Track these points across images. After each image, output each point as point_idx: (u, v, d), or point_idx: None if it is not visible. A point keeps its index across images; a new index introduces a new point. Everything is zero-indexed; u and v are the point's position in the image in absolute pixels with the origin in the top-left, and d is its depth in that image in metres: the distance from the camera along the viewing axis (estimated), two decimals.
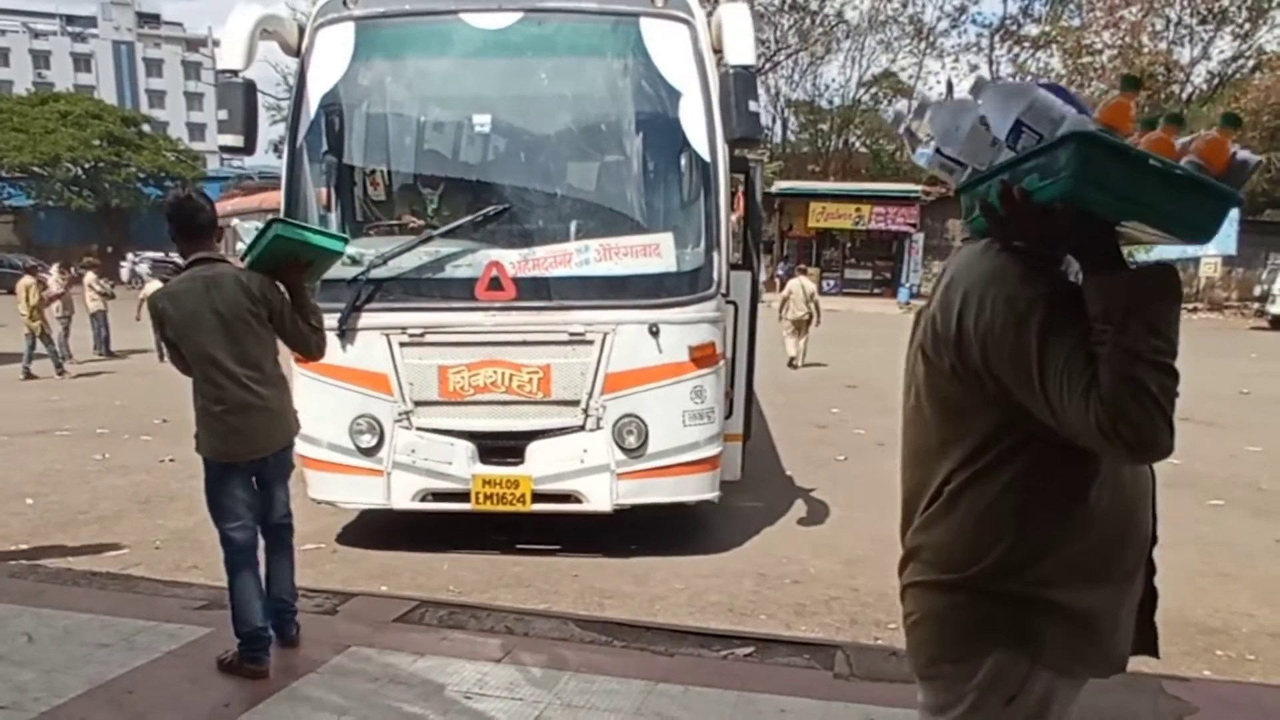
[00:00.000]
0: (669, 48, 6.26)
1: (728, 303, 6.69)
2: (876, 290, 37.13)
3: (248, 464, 4.33)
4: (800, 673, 4.71)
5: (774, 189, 36.50)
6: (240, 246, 14.07)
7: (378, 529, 7.11)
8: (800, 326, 17.19)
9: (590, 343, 6.21)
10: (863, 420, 12.00)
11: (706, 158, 6.23)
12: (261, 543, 4.56)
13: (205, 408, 4.25)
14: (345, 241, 4.86)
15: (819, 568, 6.53)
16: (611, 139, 6.73)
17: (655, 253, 6.27)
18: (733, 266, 6.86)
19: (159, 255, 37.76)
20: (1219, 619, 5.76)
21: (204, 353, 4.32)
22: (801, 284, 17.61)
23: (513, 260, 6.28)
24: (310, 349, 4.62)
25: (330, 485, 6.57)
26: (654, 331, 6.21)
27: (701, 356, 6.30)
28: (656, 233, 6.31)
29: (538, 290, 6.28)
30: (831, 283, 37.13)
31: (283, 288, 4.45)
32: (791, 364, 17.07)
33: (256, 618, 4.37)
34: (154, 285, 12.30)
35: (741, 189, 7.13)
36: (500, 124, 6.78)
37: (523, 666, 4.66)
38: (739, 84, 5.84)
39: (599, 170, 6.77)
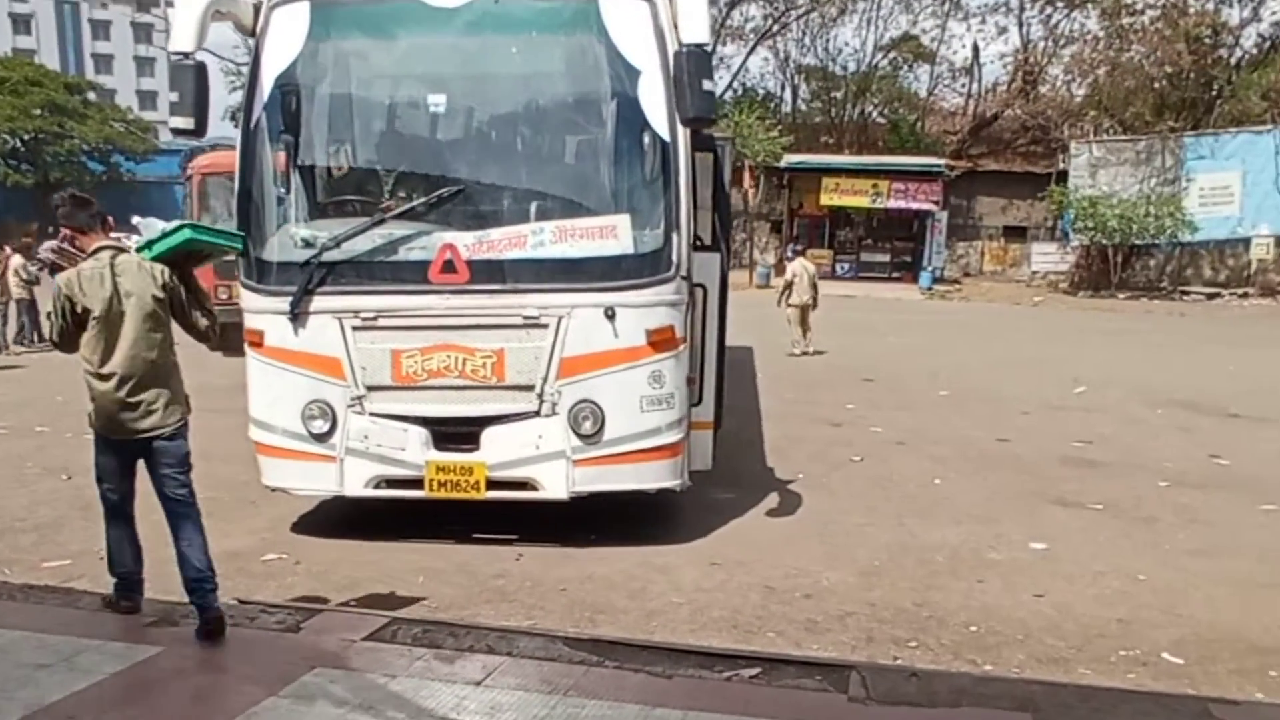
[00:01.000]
0: (628, 25, 6.66)
1: (694, 286, 7.15)
2: (896, 274, 37.19)
3: (122, 442, 5.20)
4: (811, 696, 4.72)
5: (783, 163, 36.71)
6: (215, 205, 15.59)
7: (334, 520, 7.60)
8: (804, 312, 17.64)
9: (545, 326, 6.66)
10: (881, 417, 12.08)
11: (666, 137, 6.65)
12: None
13: (89, 384, 5.15)
14: (243, 239, 6.06)
15: (832, 580, 6.62)
16: (568, 119, 7.22)
17: (612, 234, 6.70)
18: (700, 248, 7.33)
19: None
20: (1274, 637, 5.78)
21: (101, 336, 5.15)
22: (805, 266, 18.10)
23: (467, 242, 6.74)
24: (208, 336, 5.45)
25: (283, 472, 7.09)
26: (610, 315, 6.64)
27: (660, 340, 6.74)
28: (614, 214, 6.76)
29: (492, 273, 6.74)
30: (846, 266, 37.34)
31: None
32: (799, 352, 17.51)
33: (127, 560, 5.45)
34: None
35: (709, 168, 7.56)
36: (456, 104, 7.28)
37: (506, 689, 4.69)
38: (693, 62, 6.20)
39: (555, 151, 7.26)
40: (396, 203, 7.00)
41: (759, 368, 15.80)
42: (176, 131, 6.80)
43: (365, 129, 7.47)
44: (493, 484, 6.82)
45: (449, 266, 6.76)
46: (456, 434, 6.84)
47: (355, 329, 6.79)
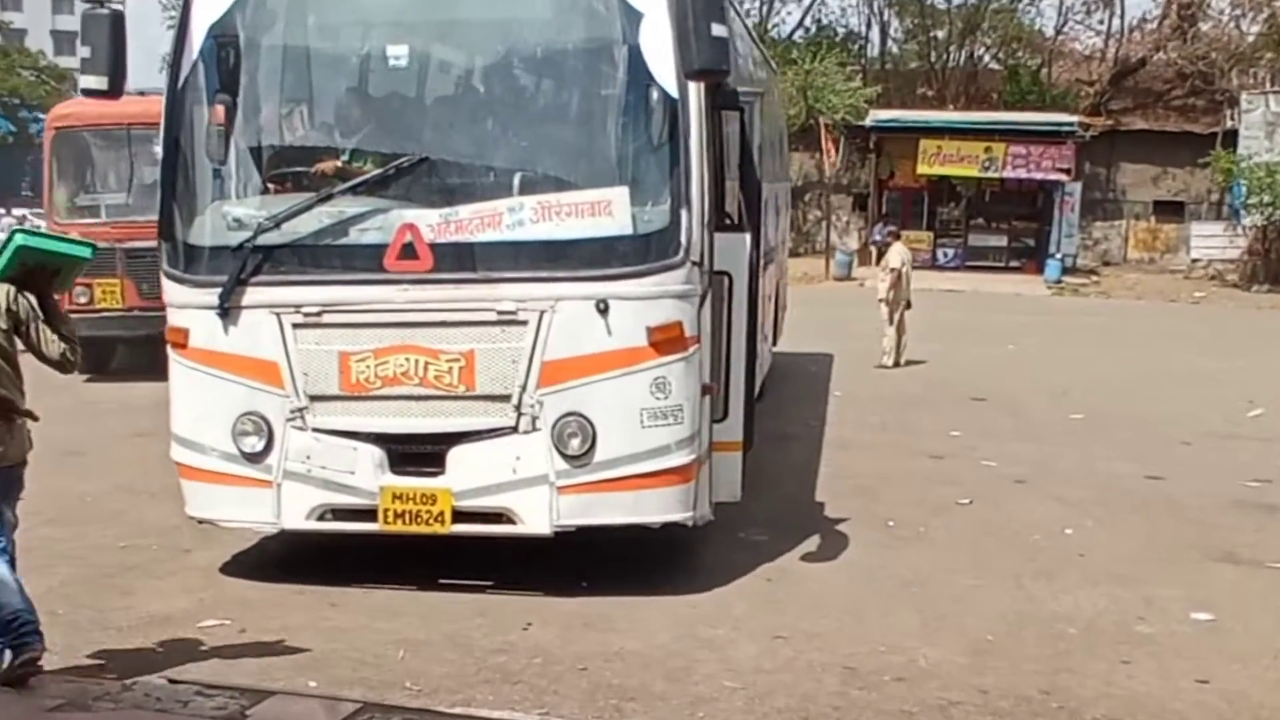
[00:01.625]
0: None
1: (715, 274, 7.44)
2: (1014, 264, 37.19)
3: None
4: None
5: (869, 121, 36.88)
6: (76, 171, 15.94)
7: (275, 562, 7.96)
8: (900, 309, 17.72)
9: (523, 323, 6.96)
10: (995, 448, 12.15)
11: (674, 93, 6.93)
12: None
13: None
14: (92, 249, 6.32)
15: (931, 659, 6.64)
16: (554, 74, 7.54)
17: (606, 211, 6.97)
18: (723, 228, 7.62)
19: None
20: None
21: None
22: (905, 254, 18.17)
23: (430, 222, 7.05)
24: (63, 362, 5.87)
25: (210, 499, 7.44)
26: (603, 309, 6.92)
27: (664, 340, 7.01)
28: (608, 187, 7.03)
29: (460, 259, 7.06)
30: (950, 253, 37.34)
31: (32, 299, 5.81)
32: (890, 364, 17.52)
33: (14, 600, 5.71)
34: None
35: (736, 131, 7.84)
36: (420, 57, 7.63)
37: None
38: (698, 3, 6.43)
39: (539, 112, 7.58)
40: (348, 175, 7.33)
41: (835, 383, 16.06)
42: (88, 93, 7.21)
43: (313, 87, 7.84)
44: (460, 515, 7.09)
45: (408, 251, 7.05)
46: (417, 454, 7.16)
47: (296, 327, 7.09)
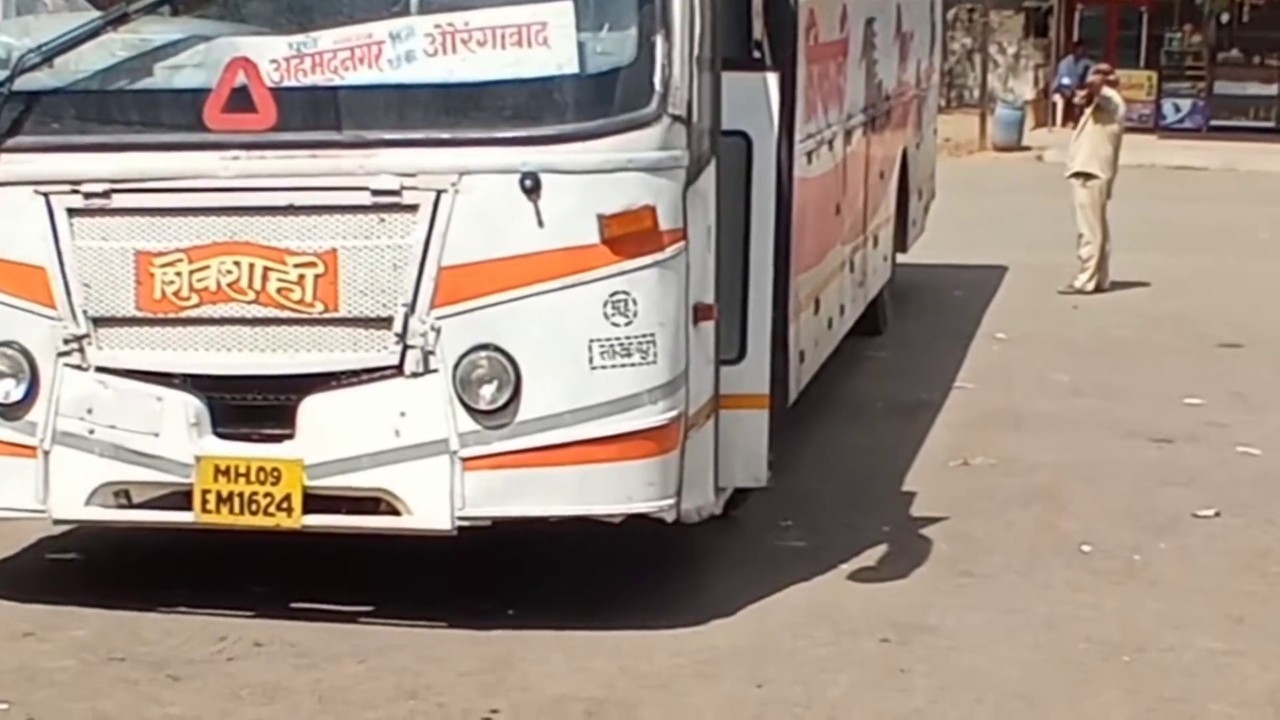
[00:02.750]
0: None
1: (725, 135, 6.86)
2: None
3: None
4: None
5: None
6: None
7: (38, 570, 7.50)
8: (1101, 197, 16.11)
9: (412, 209, 6.34)
10: (1256, 424, 10.83)
11: None
12: None
13: None
14: None
15: None
16: None
17: (539, 39, 6.22)
18: (732, 65, 6.92)
19: None
20: None
21: None
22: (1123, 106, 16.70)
23: (274, 56, 6.41)
24: None
25: None
26: (530, 187, 6.16)
27: (626, 235, 6.25)
28: (545, 1, 6.45)
29: (317, 111, 6.41)
30: (1186, 106, 32.13)
31: None
32: (1089, 287, 15.53)
33: None
34: None
35: None
36: None
37: None
38: None
39: None
40: None
41: (996, 317, 14.48)
42: None
43: None
44: (316, 501, 6.46)
45: (240, 99, 6.30)
46: (252, 408, 6.51)
47: (73, 214, 6.45)
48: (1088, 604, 7.55)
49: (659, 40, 6.32)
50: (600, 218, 6.24)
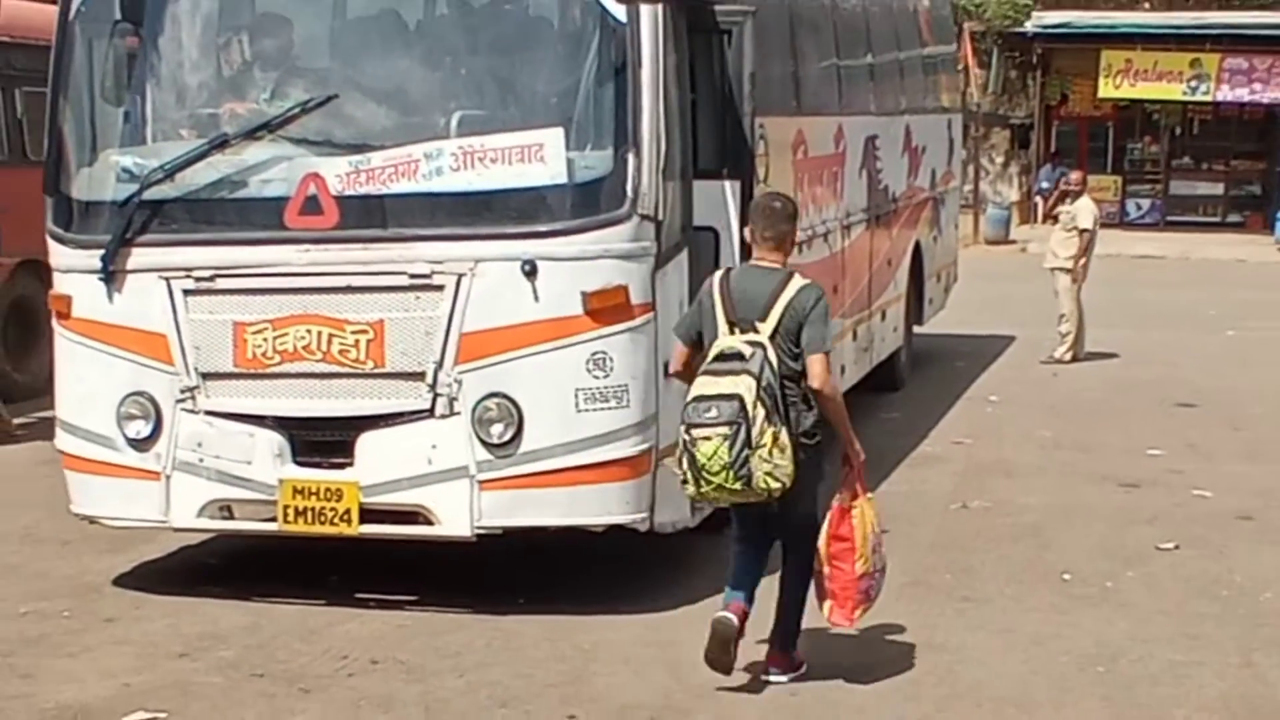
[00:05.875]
0: None
1: (697, 230, 7.85)
2: (1233, 218, 34.44)
3: None
4: None
5: (1030, 27, 34.34)
6: None
7: (170, 571, 8.34)
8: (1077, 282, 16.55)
9: (439, 288, 7.31)
10: (1211, 472, 11.42)
11: (620, 17, 7.28)
12: None
13: None
14: None
15: None
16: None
17: (537, 156, 7.26)
18: (705, 174, 8.00)
19: None
20: None
21: None
22: (1095, 211, 16.83)
23: (338, 172, 7.45)
24: None
25: (92, 493, 7.94)
26: (528, 271, 7.20)
27: (604, 308, 7.25)
28: (541, 128, 7.38)
29: (370, 214, 7.45)
30: (1145, 205, 34.55)
31: None
32: (1067, 357, 16.31)
33: None
34: None
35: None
36: None
37: None
38: None
39: (462, 44, 7.98)
40: (250, 118, 7.82)
41: (990, 382, 15.30)
42: None
43: (217, 21, 8.22)
44: (369, 514, 7.49)
45: (312, 205, 7.42)
46: (321, 442, 7.58)
47: (188, 293, 7.57)
48: (1068, 624, 7.77)
49: (630, 157, 7.27)
50: (583, 294, 7.25)
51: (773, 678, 6.65)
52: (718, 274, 6.73)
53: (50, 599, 7.97)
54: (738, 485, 6.11)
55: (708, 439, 6.05)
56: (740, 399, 6.07)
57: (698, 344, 6.49)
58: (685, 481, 6.28)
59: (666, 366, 7.39)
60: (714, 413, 6.07)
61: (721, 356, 6.25)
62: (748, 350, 6.18)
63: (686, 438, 6.15)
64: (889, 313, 13.52)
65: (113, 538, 8.58)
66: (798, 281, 6.43)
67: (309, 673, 7.00)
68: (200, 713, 6.53)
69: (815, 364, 6.25)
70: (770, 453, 6.00)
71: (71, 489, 8.07)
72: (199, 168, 7.64)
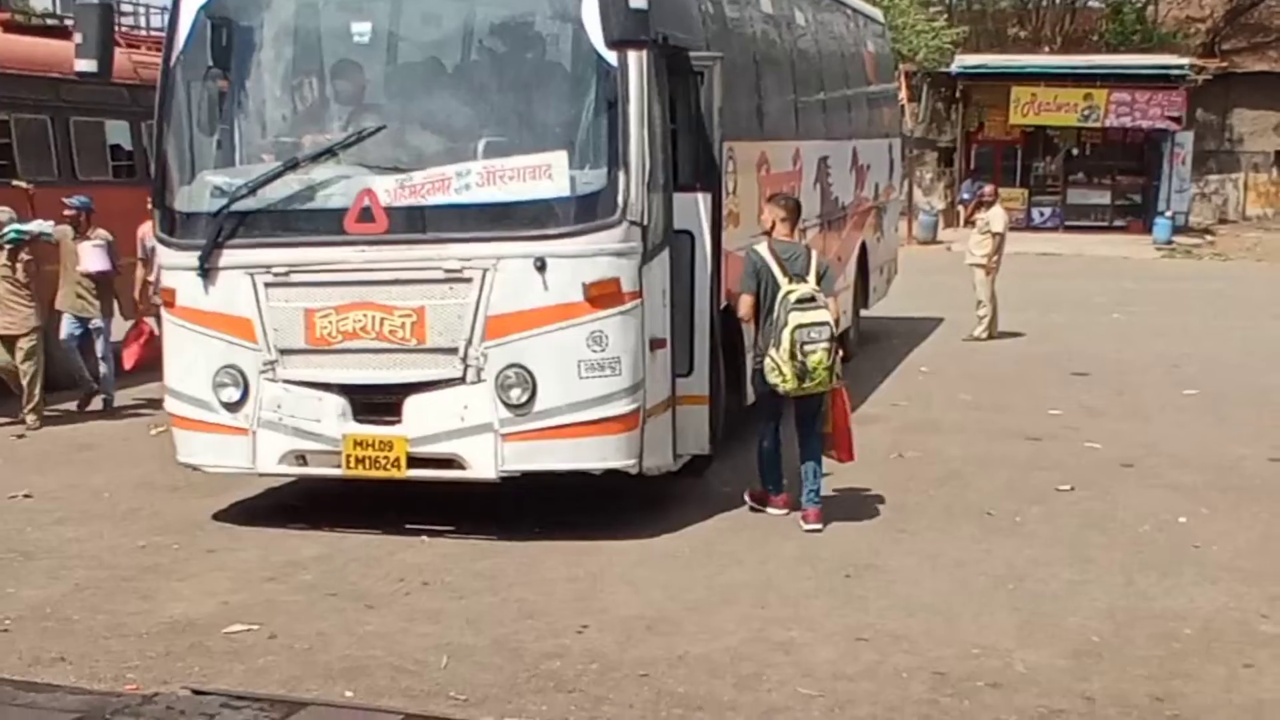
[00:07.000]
0: None
1: (678, 232, 8.75)
2: (1118, 223, 37.19)
3: None
4: None
5: (954, 68, 37.00)
6: None
7: (259, 510, 9.39)
8: (990, 275, 17.67)
9: (468, 280, 8.23)
10: (1099, 427, 12.20)
11: (612, 62, 8.14)
12: None
13: None
14: None
15: (1030, 662, 6.62)
16: (502, 47, 8.91)
17: (546, 175, 8.22)
18: (682, 188, 8.92)
19: None
20: None
21: None
22: (1005, 217, 18.22)
23: (387, 187, 8.37)
24: None
25: (195, 446, 8.92)
26: (540, 267, 8.15)
27: (600, 295, 8.20)
28: (548, 151, 8.29)
29: (412, 221, 8.40)
30: (1047, 212, 37.50)
31: None
32: (983, 335, 17.69)
33: None
34: None
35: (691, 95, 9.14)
36: (379, 33, 9.04)
37: None
38: None
39: (487, 84, 8.95)
40: (315, 145, 8.72)
41: (921, 357, 16.33)
42: (81, 74, 8.87)
43: (288, 65, 9.23)
44: (415, 461, 8.38)
45: (366, 214, 8.36)
46: (376, 404, 8.46)
47: (268, 285, 8.46)
48: (984, 550, 8.40)
49: (621, 174, 8.09)
50: (584, 284, 8.13)
51: (809, 527, 8.72)
52: (761, 245, 8.76)
53: (163, 534, 8.76)
54: (827, 378, 8.52)
55: (814, 351, 8.43)
56: (830, 324, 8.52)
57: (758, 294, 8.59)
58: (786, 380, 8.48)
59: (652, 343, 8.47)
60: (819, 333, 8.43)
61: (804, 298, 8.50)
62: (818, 295, 8.53)
63: (799, 352, 8.40)
64: (840, 298, 13.91)
65: (212, 483, 9.37)
66: (814, 250, 9.16)
67: (373, 592, 7.64)
68: (285, 625, 7.11)
69: (834, 301, 8.90)
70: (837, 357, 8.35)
71: (178, 443, 8.93)
72: (276, 184, 8.51)
